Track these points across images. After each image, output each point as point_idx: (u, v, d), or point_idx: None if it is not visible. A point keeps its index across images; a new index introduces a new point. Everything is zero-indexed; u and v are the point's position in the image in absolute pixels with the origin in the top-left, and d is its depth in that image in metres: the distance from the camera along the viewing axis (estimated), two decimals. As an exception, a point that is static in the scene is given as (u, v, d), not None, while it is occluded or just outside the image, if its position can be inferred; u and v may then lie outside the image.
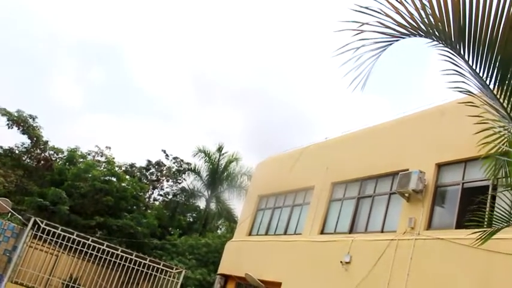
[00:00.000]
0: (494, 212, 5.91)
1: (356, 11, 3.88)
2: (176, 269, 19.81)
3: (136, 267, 18.69)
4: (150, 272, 18.96)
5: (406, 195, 12.82)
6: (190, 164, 34.80)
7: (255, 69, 73.04)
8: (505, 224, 5.70)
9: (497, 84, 4.11)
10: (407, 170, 13.02)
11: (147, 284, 19.45)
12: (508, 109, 4.16)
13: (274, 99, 71.28)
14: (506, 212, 5.69)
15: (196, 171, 33.26)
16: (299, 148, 19.61)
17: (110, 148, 34.74)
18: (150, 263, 19.01)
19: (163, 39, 71.70)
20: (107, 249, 18.38)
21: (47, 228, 17.46)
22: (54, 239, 17.63)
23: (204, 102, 70.99)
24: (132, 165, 37.22)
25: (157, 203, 37.61)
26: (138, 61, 70.52)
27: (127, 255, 18.65)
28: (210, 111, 71.25)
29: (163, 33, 71.73)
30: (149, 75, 70.88)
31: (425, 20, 3.97)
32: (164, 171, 38.16)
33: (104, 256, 18.34)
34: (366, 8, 3.83)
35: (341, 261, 13.88)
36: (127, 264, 18.54)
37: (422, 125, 13.88)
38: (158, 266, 19.23)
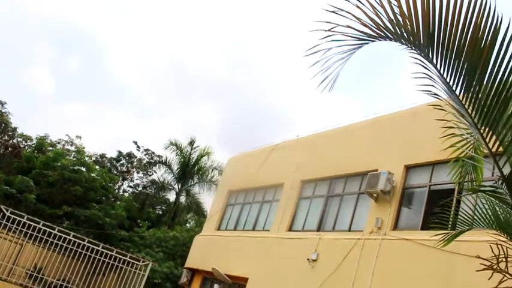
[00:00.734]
0: (458, 215, 6.01)
1: (329, 11, 3.89)
2: (143, 261, 19.65)
3: (102, 258, 18.46)
4: (116, 263, 18.75)
5: (374, 195, 12.97)
6: (162, 157, 34.58)
7: (231, 64, 72.89)
8: (468, 227, 5.80)
9: (463, 90, 4.17)
10: (377, 170, 13.17)
11: (113, 275, 19.25)
12: (473, 115, 4.22)
13: (249, 96, 71.33)
14: (469, 216, 5.79)
15: (167, 164, 33.03)
16: (270, 145, 19.65)
17: (80, 137, 34.31)
18: (116, 255, 18.80)
19: (140, 30, 70.97)
20: (73, 239, 18.11)
21: (12, 216, 17.12)
22: (19, 228, 17.31)
23: (179, 95, 70.55)
24: (102, 156, 36.79)
25: (126, 194, 37.27)
26: (114, 51, 69.72)
27: (93, 246, 18.41)
28: (184, 104, 70.88)
29: (141, 24, 71.04)
30: (125, 66, 70.15)
31: (395, 24, 4.00)
32: (135, 163, 37.84)
33: (70, 246, 18.06)
34: (338, 9, 3.84)
35: (308, 259, 13.98)
36: (93, 255, 18.31)
37: (394, 127, 14.04)
38: (125, 258, 19.03)
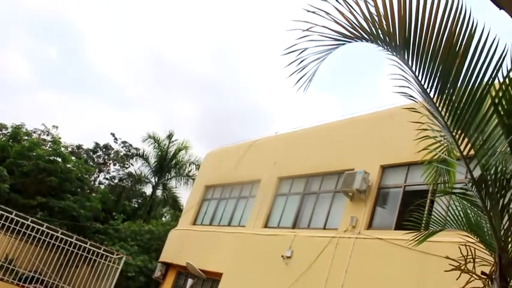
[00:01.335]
0: (432, 216, 6.10)
1: (307, 11, 3.91)
2: (117, 254, 19.54)
3: (76, 250, 18.30)
4: (90, 256, 18.60)
5: (350, 194, 13.08)
6: (139, 150, 34.36)
7: (212, 59, 72.63)
8: (440, 228, 5.90)
9: (437, 93, 4.22)
10: (353, 169, 13.27)
11: (86, 268, 19.10)
12: (446, 118, 4.28)
13: (229, 92, 71.22)
14: (442, 217, 5.88)
15: (144, 157, 32.82)
16: (248, 141, 19.66)
17: (57, 127, 33.84)
18: (90, 247, 18.66)
19: (122, 20, 70.27)
20: (47, 230, 17.92)
21: (-16, 206, 16.88)
22: (-9, 218, 17.07)
23: (159, 88, 70.07)
24: (79, 147, 36.42)
25: (102, 186, 36.97)
26: (94, 41, 68.82)
27: (67, 238, 18.24)
28: (164, 97, 70.47)
29: (123, 14, 70.31)
30: (105, 56, 69.38)
31: (372, 26, 4.03)
32: (112, 155, 37.55)
33: (43, 238, 17.87)
34: (317, 9, 3.86)
35: (282, 256, 14.04)
36: (66, 247, 18.14)
37: (371, 127, 14.15)
38: (99, 250, 18.90)
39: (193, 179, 28.84)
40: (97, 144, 37.48)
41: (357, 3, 3.97)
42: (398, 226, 11.51)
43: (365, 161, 13.34)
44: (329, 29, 3.97)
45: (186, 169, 32.16)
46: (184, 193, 34.50)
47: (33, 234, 17.67)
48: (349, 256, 12.20)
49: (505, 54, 4.02)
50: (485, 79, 4.09)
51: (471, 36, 4.00)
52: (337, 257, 12.48)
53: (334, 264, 12.46)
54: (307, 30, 3.90)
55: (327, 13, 3.87)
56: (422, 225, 6.34)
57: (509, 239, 4.39)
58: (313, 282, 12.72)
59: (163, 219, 35.16)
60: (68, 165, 28.38)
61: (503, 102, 4.25)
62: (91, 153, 37.22)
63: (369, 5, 3.89)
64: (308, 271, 13.07)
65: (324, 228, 13.90)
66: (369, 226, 12.55)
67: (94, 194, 31.87)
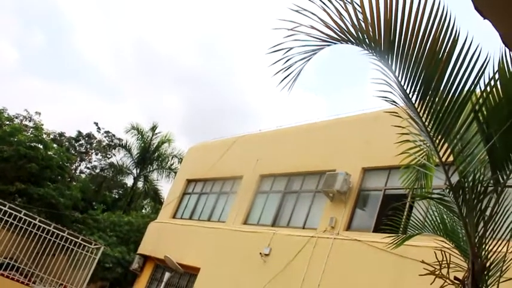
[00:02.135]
0: (410, 220, 6.16)
1: (294, 11, 3.91)
2: (95, 244, 19.38)
3: (53, 239, 18.11)
4: (67, 245, 18.43)
5: (331, 195, 13.13)
6: (122, 140, 34.18)
7: (200, 54, 72.42)
8: (417, 232, 5.95)
9: (419, 98, 4.26)
10: (335, 170, 13.32)
11: (63, 257, 18.92)
12: (427, 123, 4.32)
13: (215, 87, 71.10)
14: (420, 221, 5.93)
15: (127, 148, 32.64)
16: (232, 137, 19.64)
17: (39, 114, 33.44)
18: (68, 236, 18.46)
19: (110, 9, 69.67)
20: (24, 217, 17.71)
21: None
22: (-33, 203, 16.83)
23: (145, 79, 69.69)
24: (61, 134, 36.06)
25: (83, 175, 36.69)
26: (81, 29, 68.23)
27: (45, 226, 18.03)
28: (149, 88, 70.09)
29: (111, 3, 69.73)
30: (92, 44, 68.77)
31: (358, 29, 4.05)
32: (94, 144, 37.27)
33: (21, 225, 17.65)
34: (303, 9, 3.86)
35: (260, 253, 14.06)
36: (44, 235, 17.95)
37: (355, 129, 14.21)
38: (76, 239, 18.70)
39: (175, 172, 28.75)
40: (80, 132, 37.18)
41: (345, 8, 3.98)
42: (377, 229, 11.59)
43: (347, 163, 13.40)
44: (315, 29, 3.98)
45: (169, 162, 32.11)
46: (166, 186, 34.40)
47: (10, 220, 17.45)
48: (326, 256, 12.26)
49: (487, 63, 4.06)
50: (467, 86, 4.13)
51: (454, 44, 4.04)
52: (315, 257, 12.54)
53: (311, 263, 12.51)
54: (292, 29, 3.90)
55: (314, 14, 3.88)
56: (401, 228, 6.40)
57: (483, 246, 4.44)
58: (290, 281, 12.76)
59: (143, 211, 35.02)
60: (49, 153, 28.07)
61: (484, 110, 4.30)
62: (73, 141, 36.89)
63: (356, 10, 3.90)
64: (286, 269, 13.10)
65: (303, 228, 13.95)
66: (348, 227, 12.62)
67: (74, 183, 31.56)
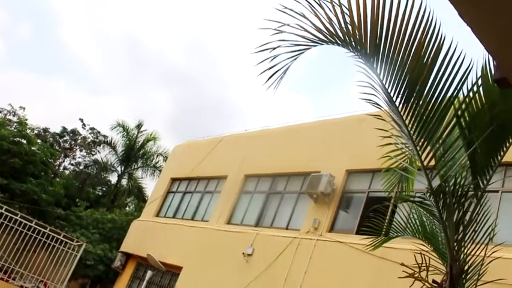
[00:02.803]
0: (392, 223, 6.20)
1: (281, 11, 3.93)
2: (77, 241, 19.25)
3: (35, 235, 17.96)
4: (49, 242, 18.28)
5: (314, 196, 13.16)
6: (107, 137, 33.90)
7: (188, 51, 72.26)
8: (396, 234, 6.00)
9: (402, 102, 4.30)
10: (319, 172, 13.36)
11: (44, 253, 18.75)
12: (410, 127, 4.36)
13: (203, 85, 71.00)
14: (400, 224, 5.98)
15: (112, 145, 32.43)
16: (218, 136, 19.63)
17: (24, 108, 33.07)
18: (50, 233, 18.32)
19: (99, 4, 69.20)
20: (6, 213, 17.53)
21: None
22: None
23: (132, 75, 69.34)
24: (45, 130, 35.71)
25: (67, 172, 36.38)
26: (69, 22, 67.64)
27: (26, 222, 17.88)
28: (136, 85, 69.77)
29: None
30: (79, 39, 68.18)
31: (344, 29, 4.08)
32: (79, 141, 36.96)
33: (1, 220, 17.47)
34: (291, 9, 3.89)
35: (243, 253, 14.06)
36: (25, 231, 17.78)
37: (340, 131, 14.27)
38: (58, 236, 18.56)
39: (160, 171, 28.65)
40: (64, 128, 36.85)
41: (333, 9, 4.01)
42: (360, 231, 11.64)
43: (331, 165, 13.45)
44: (302, 29, 4.00)
45: (154, 160, 31.97)
46: (150, 184, 34.28)
47: (-9, 215, 17.28)
48: (309, 257, 12.29)
49: (470, 69, 4.12)
50: (450, 91, 4.18)
51: (439, 49, 4.08)
52: (298, 258, 12.57)
53: (294, 264, 12.54)
54: (279, 29, 3.92)
55: (301, 15, 3.90)
56: (383, 231, 6.44)
57: (462, 250, 4.49)
58: (272, 281, 12.78)
59: (127, 209, 34.75)
60: (33, 148, 27.79)
61: (466, 116, 4.36)
62: (57, 137, 36.55)
63: (343, 12, 3.93)
64: (268, 270, 13.12)
65: (287, 229, 13.98)
66: (331, 229, 12.67)
67: (58, 179, 31.27)
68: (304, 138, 15.38)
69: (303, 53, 4.19)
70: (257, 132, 17.94)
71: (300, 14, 3.91)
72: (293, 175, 14.97)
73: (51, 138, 35.51)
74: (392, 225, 6.16)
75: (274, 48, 4.02)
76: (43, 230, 18.20)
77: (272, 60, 4.10)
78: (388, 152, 5.64)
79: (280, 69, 4.17)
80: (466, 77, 4.15)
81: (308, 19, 3.96)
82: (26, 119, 30.59)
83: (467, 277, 4.55)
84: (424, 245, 5.29)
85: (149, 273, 16.45)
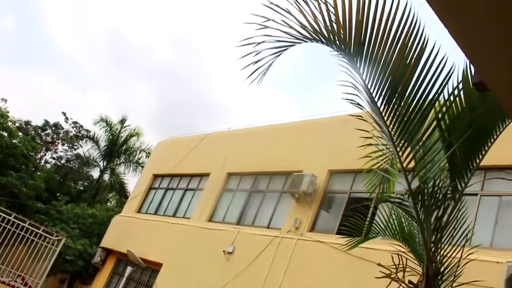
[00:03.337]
0: (370, 223, 6.23)
1: (267, 6, 3.92)
2: (56, 236, 19.05)
3: (13, 229, 17.73)
4: (28, 236, 18.06)
5: (296, 195, 13.18)
6: (90, 132, 33.60)
7: (173, 46, 71.97)
8: (374, 235, 6.04)
9: (384, 103, 4.32)
10: (301, 172, 13.39)
11: (23, 247, 18.53)
12: (390, 128, 4.39)
13: (187, 82, 70.80)
14: (379, 225, 6.01)
15: (94, 140, 32.15)
16: (201, 134, 19.58)
17: (5, 101, 32.64)
18: (29, 227, 18.10)
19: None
20: (-16, 206, 17.31)
21: None
22: None
23: (116, 69, 68.88)
24: (27, 123, 35.30)
25: (48, 165, 36.00)
26: (54, 15, 66.96)
27: (5, 216, 17.64)
28: (120, 80, 69.29)
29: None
30: (64, 32, 67.56)
31: (329, 27, 4.08)
32: (61, 135, 36.58)
33: (-21, 213, 17.24)
34: (277, 5, 3.89)
35: (224, 251, 14.05)
36: (4, 224, 17.55)
37: (324, 131, 14.31)
38: (38, 230, 18.34)
39: (143, 167, 28.50)
40: (47, 122, 36.45)
41: (319, 7, 4.01)
42: (341, 231, 11.69)
43: (314, 164, 13.49)
44: (288, 26, 4.00)
45: (136, 156, 31.77)
46: (132, 180, 33.97)
47: (-31, 208, 17.03)
48: (289, 257, 12.32)
49: (452, 72, 4.15)
50: (431, 94, 4.21)
51: (422, 51, 4.11)
52: (278, 257, 12.58)
53: (274, 263, 12.56)
54: (263, 23, 3.91)
55: (287, 11, 3.90)
56: (363, 232, 6.47)
57: (438, 251, 4.53)
58: (252, 280, 12.78)
59: (108, 204, 34.53)
60: (14, 141, 27.46)
61: (446, 118, 4.40)
62: (39, 130, 36.15)
63: (329, 10, 3.94)
64: (248, 268, 13.12)
65: (268, 227, 13.99)
66: (312, 229, 12.71)
67: (39, 173, 30.93)
68: (288, 137, 15.40)
69: (286, 49, 4.19)
70: (241, 130, 17.93)
71: (285, 10, 3.91)
72: (275, 174, 14.99)
73: (32, 132, 35.13)
74: (373, 226, 6.19)
75: (258, 43, 4.02)
76: (22, 223, 17.97)
77: (256, 55, 4.09)
78: (370, 153, 5.66)
79: (263, 65, 4.17)
80: (448, 80, 4.18)
81: (293, 15, 3.96)
82: (8, 112, 30.20)
83: (443, 278, 4.59)
84: (402, 246, 5.32)
85: (129, 269, 16.36)
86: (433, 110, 4.30)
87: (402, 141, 4.42)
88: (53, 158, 37.07)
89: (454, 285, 4.61)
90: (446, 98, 4.33)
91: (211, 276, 13.97)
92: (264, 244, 13.11)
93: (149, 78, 71.11)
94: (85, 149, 33.62)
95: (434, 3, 2.25)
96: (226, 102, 73.09)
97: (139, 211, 20.28)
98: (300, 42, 4.19)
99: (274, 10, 3.97)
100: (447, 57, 4.12)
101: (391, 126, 4.37)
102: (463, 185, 4.58)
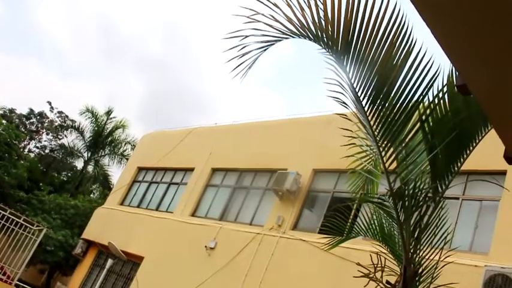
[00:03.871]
0: (351, 223, 6.25)
1: (257, 0, 3.91)
2: (37, 226, 18.87)
3: (-7, 218, 17.53)
4: (8, 225, 17.86)
5: (280, 193, 13.20)
6: (75, 122, 33.38)
7: (163, 39, 71.64)
8: (354, 235, 6.06)
9: (369, 102, 4.33)
10: (286, 169, 13.41)
11: (2, 236, 18.33)
12: (374, 128, 4.40)
13: (176, 76, 70.58)
14: (360, 226, 6.03)
15: (79, 130, 31.95)
16: (187, 128, 19.52)
17: (-11, 88, 32.39)
18: (9, 216, 17.90)
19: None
20: (-36, 193, 17.10)
21: None
22: None
23: (105, 60, 68.40)
24: (11, 111, 34.88)
25: (32, 155, 35.64)
26: (43, 4, 66.29)
27: (-15, 204, 17.46)
28: (108, 70, 68.84)
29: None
30: (53, 19, 66.91)
31: (317, 23, 4.08)
32: (46, 124, 36.21)
33: (-41, 201, 17.03)
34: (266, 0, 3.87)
35: (206, 246, 14.03)
36: (-17, 213, 17.34)
37: (309, 130, 14.34)
38: (18, 220, 18.14)
39: (127, 159, 28.36)
40: (31, 110, 36.04)
41: (308, 3, 4.00)
42: (322, 230, 11.72)
43: (299, 163, 13.51)
44: (275, 20, 3.98)
45: (121, 148, 31.61)
46: (116, 172, 33.83)
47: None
48: (271, 254, 12.34)
49: (437, 75, 4.17)
50: (416, 96, 4.22)
51: (409, 52, 4.12)
52: (260, 254, 12.60)
53: (255, 260, 12.57)
54: (251, 17, 3.89)
55: (276, 5, 3.88)
56: (345, 231, 6.48)
57: (417, 252, 4.55)
58: (233, 276, 12.78)
59: (91, 196, 34.27)
60: (-3, 129, 27.18)
61: (430, 121, 4.41)
62: (24, 119, 35.74)
63: (318, 6, 3.93)
64: (229, 264, 13.12)
65: (251, 224, 14.00)
66: (294, 227, 12.74)
67: (22, 162, 30.61)
68: (274, 135, 15.41)
69: (273, 44, 4.17)
70: (227, 126, 17.90)
71: (272, 3, 3.89)
72: (260, 171, 14.99)
73: (17, 120, 34.73)
74: (354, 226, 6.20)
75: (245, 37, 4.00)
76: (2, 212, 17.76)
77: (242, 48, 4.07)
78: (354, 154, 5.68)
79: (249, 58, 4.15)
80: (433, 83, 4.20)
81: (281, 9, 3.95)
82: (-9, 99, 29.81)
83: (421, 280, 4.62)
84: (382, 247, 5.35)
85: (110, 262, 16.28)
86: (417, 111, 4.32)
87: (385, 142, 4.43)
88: (37, 147, 36.71)
89: (430, 287, 4.64)
90: (430, 100, 4.35)
91: (193, 271, 13.95)
92: (246, 241, 13.12)
93: (139, 69, 70.88)
94: (70, 139, 33.43)
95: (421, 8, 2.24)
96: (214, 97, 73.14)
97: (122, 203, 20.18)
98: (287, 38, 4.17)
99: (263, 3, 3.96)
100: (433, 59, 4.14)
101: (374, 126, 4.38)
102: (443, 187, 4.60)
